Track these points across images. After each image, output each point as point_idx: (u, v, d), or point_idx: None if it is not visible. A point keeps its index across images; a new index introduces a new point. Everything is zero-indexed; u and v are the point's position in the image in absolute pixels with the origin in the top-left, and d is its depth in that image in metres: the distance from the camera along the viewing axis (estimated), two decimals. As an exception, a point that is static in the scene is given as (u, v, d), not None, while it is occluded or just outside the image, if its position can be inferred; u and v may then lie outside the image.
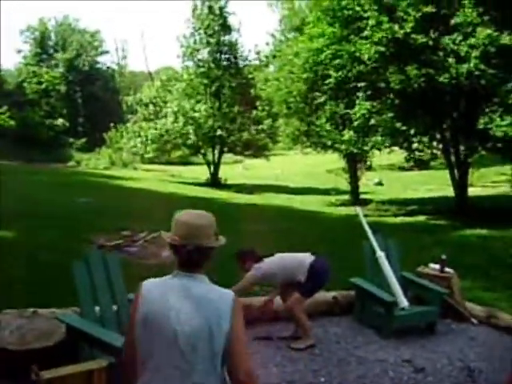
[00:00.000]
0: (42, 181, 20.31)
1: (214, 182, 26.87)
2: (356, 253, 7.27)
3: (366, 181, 24.04)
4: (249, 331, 5.90)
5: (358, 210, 7.40)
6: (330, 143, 17.99)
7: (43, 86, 42.64)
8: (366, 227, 6.64)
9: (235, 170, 33.90)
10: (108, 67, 50.42)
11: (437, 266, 6.93)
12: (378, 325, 6.26)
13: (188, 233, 2.43)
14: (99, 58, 48.57)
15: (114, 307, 5.05)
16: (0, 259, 8.15)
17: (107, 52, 50.17)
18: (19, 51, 48.30)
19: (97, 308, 4.99)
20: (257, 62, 28.34)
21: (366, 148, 16.48)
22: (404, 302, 6.04)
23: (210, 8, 27.08)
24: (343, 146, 17.00)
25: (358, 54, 15.09)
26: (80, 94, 46.38)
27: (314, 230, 13.04)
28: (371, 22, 14.72)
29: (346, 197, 21.27)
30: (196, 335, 2.34)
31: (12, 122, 40.72)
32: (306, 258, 5.84)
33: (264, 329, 6.07)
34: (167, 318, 2.35)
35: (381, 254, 6.39)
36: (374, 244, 6.47)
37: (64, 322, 4.75)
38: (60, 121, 42.68)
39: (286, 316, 5.96)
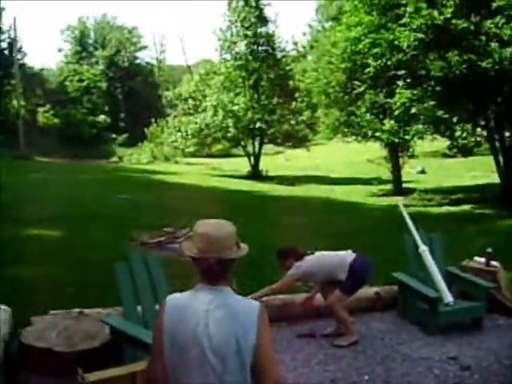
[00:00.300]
0: (86, 178, 20.65)
1: (255, 174, 26.87)
2: (399, 245, 7.15)
3: (409, 169, 23.70)
4: (291, 328, 5.96)
5: (400, 203, 7.29)
6: (370, 133, 17.79)
7: (84, 83, 43.34)
8: (409, 221, 6.55)
9: (277, 160, 33.85)
10: (147, 62, 50.88)
11: (482, 260, 6.79)
12: (422, 321, 6.17)
13: (208, 245, 2.40)
14: (138, 54, 49.09)
15: (157, 307, 5.10)
16: (46, 258, 8.36)
17: (146, 47, 50.66)
18: (60, 50, 49.31)
19: (140, 307, 5.07)
20: (294, 53, 28.18)
21: (407, 137, 16.23)
22: (449, 297, 5.94)
23: (246, 0, 27.00)
24: (384, 136, 16.78)
25: (396, 42, 14.84)
26: (120, 90, 46.97)
27: (356, 222, 12.94)
28: (410, 8, 14.46)
29: (389, 186, 21.01)
30: (224, 349, 2.32)
31: (56, 120, 41.57)
32: (347, 256, 5.79)
33: (306, 326, 6.07)
34: (194, 333, 2.34)
35: (424, 249, 6.29)
36: (417, 238, 6.38)
37: (108, 324, 4.83)
38: (102, 117, 43.31)
39: (328, 313, 5.93)
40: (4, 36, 37.13)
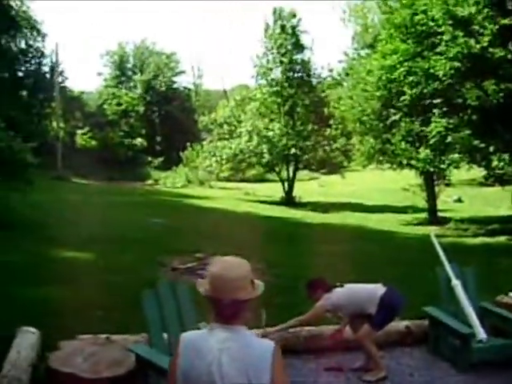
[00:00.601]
0: (121, 201, 20.90)
1: (289, 200, 26.79)
2: (432, 277, 7.02)
3: (445, 198, 23.37)
4: (318, 361, 5.86)
5: (432, 234, 7.16)
6: (405, 161, 17.64)
7: (122, 107, 44.03)
8: (441, 253, 6.41)
9: (311, 186, 33.73)
10: (184, 87, 51.50)
11: (517, 295, 6.60)
12: (453, 357, 5.99)
13: (221, 286, 2.37)
14: (176, 79, 49.66)
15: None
16: (76, 280, 8.44)
17: (183, 72, 51.27)
18: (99, 74, 50.23)
19: (166, 335, 5.05)
20: (330, 80, 28.23)
21: (442, 166, 16.07)
22: (482, 333, 5.77)
23: (283, 27, 27.21)
24: (419, 164, 16.65)
25: (432, 71, 14.78)
26: (157, 113, 47.57)
27: (389, 251, 12.76)
28: (446, 37, 14.42)
29: (424, 215, 20.71)
30: None
31: (93, 143, 42.28)
32: (377, 289, 5.68)
33: (334, 359, 5.95)
34: (207, 371, 2.32)
35: (456, 283, 6.14)
36: (449, 271, 6.24)
37: (134, 352, 4.83)
38: (138, 140, 43.86)
39: (356, 346, 5.82)
40: (46, 60, 38.07)
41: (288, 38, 27.11)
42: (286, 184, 27.74)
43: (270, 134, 26.48)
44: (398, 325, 6.42)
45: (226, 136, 29.22)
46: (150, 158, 43.26)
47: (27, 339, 5.22)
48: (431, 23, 15.12)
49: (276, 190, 28.65)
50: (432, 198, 20.41)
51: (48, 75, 37.83)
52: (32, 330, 5.47)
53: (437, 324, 6.22)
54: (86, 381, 4.62)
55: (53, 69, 37.08)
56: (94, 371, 4.72)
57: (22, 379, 4.37)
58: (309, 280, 5.99)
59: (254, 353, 2.34)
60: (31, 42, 36.55)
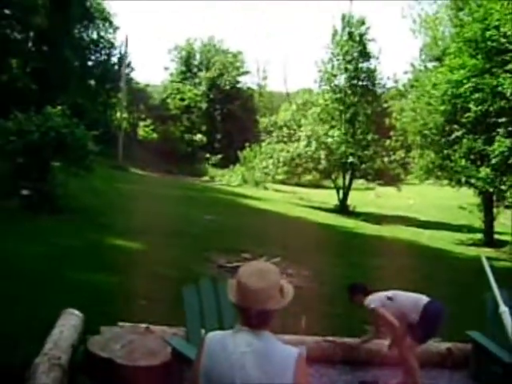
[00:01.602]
0: (176, 195, 21.20)
1: (343, 208, 26.59)
2: (480, 301, 6.84)
3: (503, 220, 22.70)
4: (354, 374, 5.81)
5: (483, 257, 6.97)
6: (464, 179, 17.25)
7: (185, 102, 44.61)
8: (490, 277, 6.22)
9: (366, 196, 33.38)
10: (248, 87, 51.75)
11: None
12: (494, 386, 5.83)
13: (249, 297, 2.35)
14: (240, 78, 49.93)
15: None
16: (124, 269, 8.61)
17: (248, 72, 51.51)
18: (166, 68, 51.03)
19: (203, 331, 5.09)
20: (394, 91, 27.90)
21: (503, 187, 15.62)
22: (526, 364, 5.59)
23: (350, 34, 27.02)
24: (479, 184, 16.26)
25: (500, 89, 14.44)
26: (219, 111, 47.98)
27: (438, 270, 12.49)
28: (517, 55, 14.03)
29: (479, 236, 20.20)
30: None
31: (154, 135, 43.05)
32: (422, 298, 5.59)
33: (370, 373, 5.89)
34: (230, 374, 2.32)
35: (505, 310, 5.93)
36: (498, 297, 6.04)
37: (170, 345, 4.89)
38: (199, 136, 44.38)
39: (393, 362, 5.72)
40: (115, 51, 39.08)
41: (355, 46, 26.90)
42: (341, 192, 27.55)
43: (329, 140, 26.34)
44: (440, 345, 6.29)
45: (285, 139, 29.25)
46: (208, 155, 43.70)
47: (70, 321, 5.36)
48: (503, 39, 14.76)
49: (330, 198, 28.49)
50: (489, 218, 19.89)
51: (116, 66, 38.82)
52: (76, 312, 5.62)
53: (480, 349, 6.05)
54: (121, 367, 4.71)
55: (121, 60, 37.98)
56: (130, 359, 4.80)
57: (61, 358, 4.48)
58: (351, 283, 5.97)
59: (276, 358, 2.33)
60: (102, 33, 37.61)
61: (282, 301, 2.40)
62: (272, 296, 2.37)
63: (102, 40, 37.76)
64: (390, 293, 5.72)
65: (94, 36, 37.37)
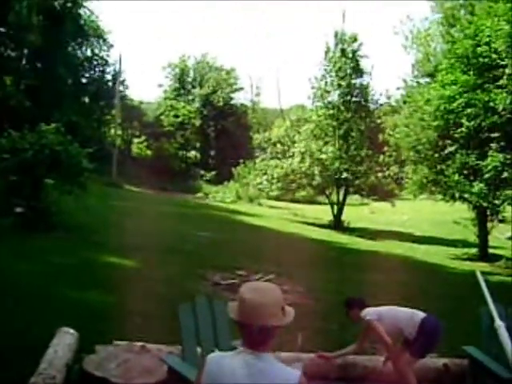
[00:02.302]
0: (170, 211, 21.19)
1: (337, 224, 26.59)
2: (476, 315, 6.83)
3: (498, 234, 22.76)
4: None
5: (477, 272, 6.98)
6: (458, 194, 17.29)
7: (179, 119, 44.70)
8: (486, 292, 6.23)
9: (360, 212, 33.43)
10: (241, 104, 51.96)
11: None
12: (491, 401, 5.81)
13: (250, 312, 2.35)
14: (234, 95, 50.15)
15: (216, 351, 5.09)
16: (119, 287, 8.57)
17: (242, 89, 51.70)
18: (160, 86, 51.15)
19: (199, 349, 5.06)
20: (387, 107, 28.06)
21: (496, 202, 15.68)
22: (523, 379, 5.57)
23: (343, 51, 27.19)
24: (472, 198, 16.30)
25: (492, 104, 14.53)
26: (213, 128, 48.11)
27: (433, 285, 12.48)
28: (508, 70, 14.15)
29: (474, 250, 20.21)
30: None
31: (148, 152, 43.10)
32: (418, 313, 5.58)
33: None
34: None
35: (500, 324, 5.93)
36: (493, 312, 6.05)
37: (166, 363, 4.87)
38: (192, 153, 44.50)
39: (390, 379, 5.69)
40: (109, 69, 39.24)
41: (348, 62, 27.06)
42: (335, 208, 27.57)
43: (323, 156, 26.41)
44: (436, 361, 6.27)
45: (279, 155, 29.31)
46: (202, 172, 43.76)
47: (65, 339, 5.33)
48: (494, 55, 14.89)
49: (324, 213, 28.50)
50: (484, 233, 19.92)
51: (110, 83, 38.94)
52: (71, 331, 5.59)
53: (476, 365, 6.03)
54: (117, 386, 4.69)
55: (115, 77, 38.15)
56: (126, 378, 4.79)
57: (56, 377, 4.45)
58: (348, 297, 5.95)
59: (278, 381, 2.33)
60: (96, 51, 37.73)
61: (283, 319, 2.40)
62: (273, 313, 2.36)
63: (95, 57, 37.88)
64: (386, 308, 5.71)
65: (88, 53, 37.51)
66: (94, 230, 13.88)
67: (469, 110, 15.63)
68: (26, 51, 30.63)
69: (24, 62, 31.21)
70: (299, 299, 9.22)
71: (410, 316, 5.57)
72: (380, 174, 27.16)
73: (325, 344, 5.93)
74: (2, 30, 28.07)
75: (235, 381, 2.33)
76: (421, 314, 5.54)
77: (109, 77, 39.38)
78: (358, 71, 27.47)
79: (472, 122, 15.47)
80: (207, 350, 4.99)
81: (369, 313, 5.56)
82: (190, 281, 9.92)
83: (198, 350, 5.05)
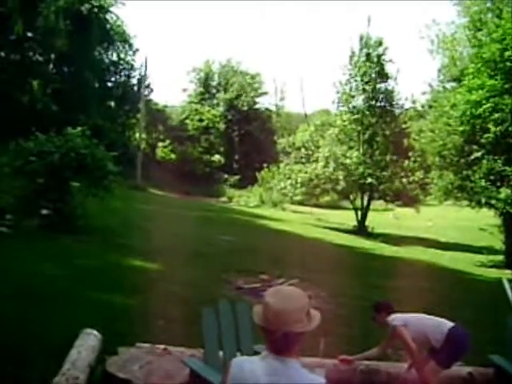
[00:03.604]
0: (194, 215, 21.26)
1: (361, 229, 26.48)
2: (502, 324, 6.72)
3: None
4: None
5: (504, 279, 6.88)
6: (484, 200, 17.10)
7: (204, 123, 44.88)
8: (512, 299, 6.15)
9: (385, 217, 33.23)
10: (266, 108, 51.96)
11: None
12: (517, 411, 5.69)
13: (274, 318, 2.32)
14: (258, 99, 50.22)
15: (238, 355, 5.08)
16: (142, 289, 8.62)
17: (266, 93, 51.76)
18: (184, 90, 51.39)
19: (221, 353, 5.06)
20: (412, 112, 27.87)
21: (523, 208, 15.46)
22: (550, 389, 5.46)
23: (368, 55, 27.12)
24: (499, 205, 16.13)
25: (520, 109, 14.33)
26: (237, 132, 48.20)
27: (459, 293, 12.32)
28: (536, 75, 13.96)
29: (500, 257, 19.94)
30: None
31: (173, 156, 43.29)
32: (446, 323, 5.48)
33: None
34: None
35: (527, 332, 5.85)
36: (520, 319, 5.96)
37: (188, 366, 4.87)
38: (217, 157, 44.57)
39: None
40: (135, 73, 39.56)
41: (372, 67, 26.98)
42: (359, 213, 27.44)
43: (348, 161, 26.33)
44: (461, 370, 6.17)
45: (303, 160, 29.31)
46: (226, 176, 43.86)
47: (88, 341, 5.35)
48: (522, 59, 14.71)
49: (348, 219, 28.37)
50: (510, 240, 19.65)
51: (135, 87, 39.25)
52: (94, 332, 5.61)
53: (502, 374, 5.91)
54: (139, 388, 4.70)
55: (140, 81, 38.44)
56: (148, 380, 4.80)
57: (79, 378, 4.47)
58: (376, 302, 5.87)
59: None
60: (122, 55, 38.09)
61: (308, 325, 2.37)
62: (298, 319, 2.34)
63: (121, 61, 38.25)
64: (414, 315, 5.63)
65: (114, 58, 37.89)
66: (118, 232, 13.98)
67: (496, 115, 15.47)
68: (52, 56, 31.01)
69: (51, 66, 31.60)
70: (322, 304, 9.17)
71: (437, 324, 5.48)
72: (405, 180, 26.98)
73: (348, 350, 5.87)
74: (30, 34, 28.47)
75: None
76: (449, 324, 5.44)
77: (134, 81, 39.74)
78: (383, 76, 27.36)
79: (499, 127, 15.32)
80: (229, 354, 5.00)
81: (396, 318, 5.49)
82: (213, 284, 9.91)
83: (220, 353, 5.05)
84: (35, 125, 15.39)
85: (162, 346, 5.66)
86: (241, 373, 2.39)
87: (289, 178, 28.87)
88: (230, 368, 2.45)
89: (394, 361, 6.36)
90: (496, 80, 15.92)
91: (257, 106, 50.13)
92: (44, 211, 12.46)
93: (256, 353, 3.99)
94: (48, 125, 14.70)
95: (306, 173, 27.62)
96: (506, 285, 6.43)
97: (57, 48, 28.85)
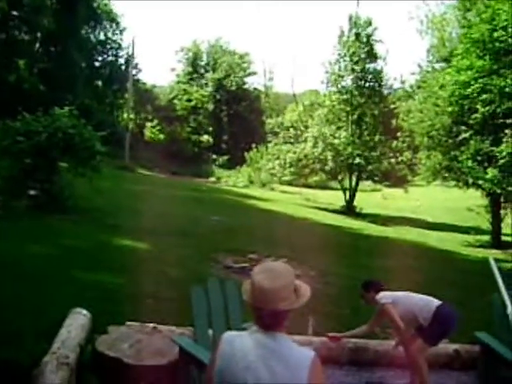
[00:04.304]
0: (182, 195, 21.24)
1: (349, 209, 26.59)
2: (489, 302, 6.80)
3: (511, 221, 22.61)
4: (361, 374, 5.80)
5: (490, 258, 6.94)
6: (471, 180, 17.20)
7: (192, 103, 44.68)
8: (498, 278, 6.19)
9: (373, 198, 33.35)
10: (255, 88, 51.74)
11: None
12: (502, 387, 5.79)
13: (262, 297, 2.34)
14: (247, 79, 49.97)
15: (228, 333, 5.11)
16: (131, 269, 8.64)
17: (255, 73, 51.53)
18: (173, 70, 51.02)
19: (211, 331, 5.09)
20: (401, 92, 27.90)
21: (510, 188, 15.55)
22: (536, 366, 5.54)
23: (357, 35, 27.03)
24: (486, 185, 16.20)
25: (508, 89, 14.38)
26: (226, 112, 48.01)
27: (446, 272, 12.43)
28: (526, 55, 13.99)
29: (487, 237, 20.12)
30: None
31: (161, 136, 43.14)
32: (434, 300, 5.54)
33: (377, 374, 5.87)
34: (242, 374, 2.32)
35: (512, 311, 5.92)
36: (506, 298, 6.01)
37: (178, 344, 4.90)
38: (205, 137, 44.44)
39: (401, 363, 5.69)
40: (123, 52, 39.25)
41: (362, 47, 26.92)
42: (347, 193, 27.54)
43: (336, 141, 26.36)
44: (448, 347, 6.26)
45: (292, 140, 29.32)
46: (214, 156, 43.78)
47: (78, 320, 5.37)
48: (510, 40, 14.73)
49: (337, 199, 28.46)
50: (497, 220, 19.83)
51: (123, 67, 38.97)
52: (84, 312, 5.63)
53: (488, 351, 5.99)
54: (129, 367, 4.72)
55: (128, 61, 38.15)
56: (137, 358, 4.82)
57: (69, 357, 4.48)
58: (366, 279, 5.90)
59: (292, 361, 2.33)
60: (110, 35, 37.76)
61: (295, 301, 2.39)
62: (285, 297, 2.36)
63: (109, 41, 37.95)
64: (402, 293, 5.68)
65: (101, 37, 37.59)
66: (107, 212, 13.95)
67: (484, 96, 15.50)
68: (39, 35, 30.64)
69: (37, 45, 31.24)
70: (311, 283, 9.21)
71: (425, 303, 5.53)
72: (393, 160, 27.10)
73: (336, 328, 5.92)
74: (16, 13, 28.07)
75: (247, 361, 2.33)
76: (436, 302, 5.49)
77: (122, 60, 39.47)
78: (372, 56, 27.32)
79: (487, 108, 15.36)
80: (219, 332, 5.02)
81: (385, 296, 5.53)
82: (202, 264, 9.94)
83: (210, 331, 5.08)
84: (22, 104, 15.27)
85: (152, 325, 5.69)
86: (231, 347, 2.41)
87: (277, 159, 28.89)
88: (220, 343, 2.47)
89: (381, 339, 6.43)
90: (485, 61, 15.92)
91: (245, 86, 49.92)
92: (32, 192, 12.41)
93: (244, 329, 4.02)
94: (35, 104, 14.58)
95: (294, 153, 27.64)
96: (493, 264, 6.49)
97: (43, 27, 28.52)
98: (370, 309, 5.72)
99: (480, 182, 16.61)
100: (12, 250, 8.48)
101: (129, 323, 5.72)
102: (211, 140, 44.72)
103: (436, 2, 29.27)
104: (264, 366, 2.31)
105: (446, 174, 19.71)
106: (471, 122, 16.47)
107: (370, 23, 27.34)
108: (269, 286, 2.34)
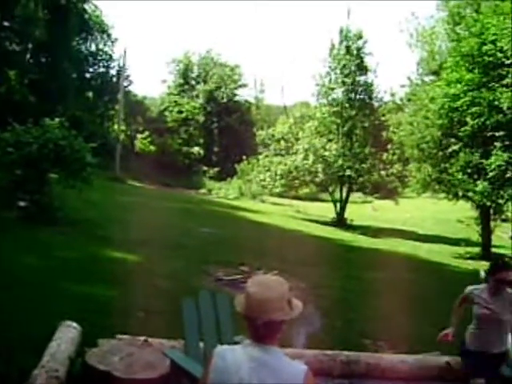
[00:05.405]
0: (173, 207, 21.18)
1: (340, 221, 26.61)
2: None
3: (500, 233, 22.72)
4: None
5: (481, 271, 6.96)
6: (461, 193, 17.28)
7: (183, 115, 44.63)
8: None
9: (363, 210, 33.42)
10: (245, 100, 51.78)
11: None
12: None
13: (256, 307, 2.35)
14: (237, 91, 49.97)
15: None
16: (122, 281, 8.58)
17: (246, 85, 51.53)
18: (164, 81, 51.00)
19: (202, 344, 5.06)
20: (391, 104, 28.05)
21: (500, 201, 15.66)
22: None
23: (348, 48, 27.17)
24: (476, 197, 16.29)
25: (497, 103, 14.50)
26: (217, 124, 47.95)
27: (436, 284, 12.44)
28: (514, 69, 14.11)
29: (477, 249, 20.18)
30: None
31: (152, 147, 43.04)
32: None
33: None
34: None
35: (502, 322, 5.92)
36: (496, 310, 6.02)
37: (168, 357, 4.87)
38: (196, 149, 44.36)
39: (394, 376, 5.68)
40: (114, 64, 39.21)
41: (352, 60, 27.05)
42: (338, 205, 27.56)
43: (327, 153, 26.43)
44: (439, 359, 6.26)
45: (283, 152, 29.33)
46: (205, 168, 43.71)
47: (68, 333, 5.32)
48: (499, 54, 14.85)
49: (327, 211, 28.49)
50: (487, 232, 19.92)
51: (114, 78, 38.91)
52: (74, 324, 5.58)
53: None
54: (120, 380, 4.68)
55: (119, 73, 38.09)
56: (128, 372, 4.77)
57: (59, 370, 4.45)
58: (495, 261, 5.79)
59: (285, 375, 2.32)
60: (101, 46, 37.73)
61: (289, 313, 2.40)
62: (279, 307, 2.36)
63: (100, 52, 37.90)
64: None
65: (93, 48, 37.53)
66: (97, 224, 13.89)
67: (473, 109, 15.61)
68: (30, 45, 30.58)
69: (28, 56, 31.16)
70: (302, 296, 9.21)
71: None
72: (383, 172, 27.19)
73: (328, 341, 5.92)
74: (7, 23, 28.03)
75: (240, 375, 2.33)
76: None
77: (113, 72, 39.40)
78: (363, 69, 27.46)
79: (476, 121, 15.45)
80: (210, 345, 5.00)
81: None
82: (193, 276, 9.91)
83: (201, 344, 5.05)
84: (12, 115, 15.21)
85: (143, 338, 5.65)
86: (223, 361, 2.40)
87: (268, 170, 28.89)
88: (213, 357, 2.45)
89: (373, 351, 6.43)
90: (474, 74, 16.04)
91: (236, 98, 49.92)
92: (22, 203, 12.34)
93: (236, 344, 4.01)
94: (25, 115, 14.52)
95: (285, 165, 27.65)
96: (483, 276, 6.51)
97: (35, 38, 28.46)
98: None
99: (470, 194, 16.69)
100: (1, 262, 8.42)
101: (119, 336, 5.68)
102: (202, 152, 44.67)
103: (426, 15, 29.59)
104: (257, 380, 2.30)
105: (437, 186, 19.79)
106: (461, 134, 16.56)
107: (360, 36, 27.50)
108: (263, 296, 2.35)
